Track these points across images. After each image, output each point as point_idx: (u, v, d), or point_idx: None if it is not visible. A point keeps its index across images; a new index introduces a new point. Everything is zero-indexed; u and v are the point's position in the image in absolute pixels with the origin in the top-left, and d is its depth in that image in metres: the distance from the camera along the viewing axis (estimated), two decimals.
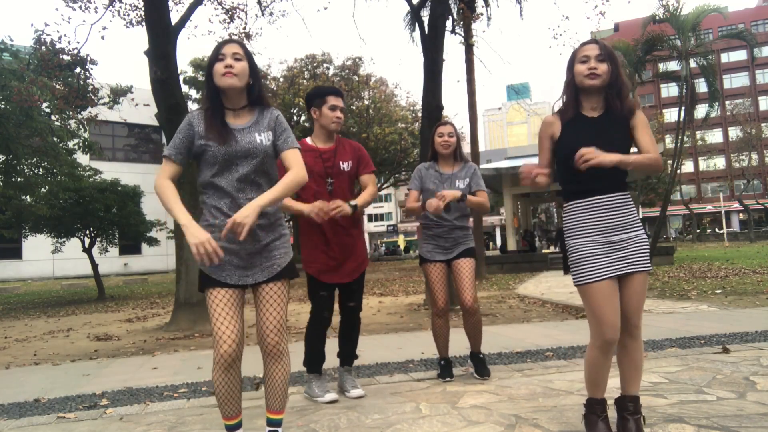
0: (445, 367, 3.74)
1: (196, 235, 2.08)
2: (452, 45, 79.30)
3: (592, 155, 2.21)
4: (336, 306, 3.44)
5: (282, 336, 2.27)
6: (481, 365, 3.72)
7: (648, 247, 2.39)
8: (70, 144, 13.91)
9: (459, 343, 4.70)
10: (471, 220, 3.95)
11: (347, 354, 3.54)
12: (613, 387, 2.58)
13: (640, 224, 2.41)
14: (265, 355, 2.29)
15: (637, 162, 2.32)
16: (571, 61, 2.40)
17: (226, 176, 2.23)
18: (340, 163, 3.36)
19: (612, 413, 2.42)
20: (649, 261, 2.37)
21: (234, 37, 11.14)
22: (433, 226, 3.72)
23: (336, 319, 3.47)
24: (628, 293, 2.35)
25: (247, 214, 2.08)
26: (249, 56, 2.26)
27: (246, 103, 2.31)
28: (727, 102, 48.86)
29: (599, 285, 2.28)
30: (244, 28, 11.37)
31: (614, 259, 2.32)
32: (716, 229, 52.14)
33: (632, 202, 2.42)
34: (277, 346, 2.26)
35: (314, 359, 3.42)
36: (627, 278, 2.35)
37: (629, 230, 2.35)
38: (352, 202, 3.20)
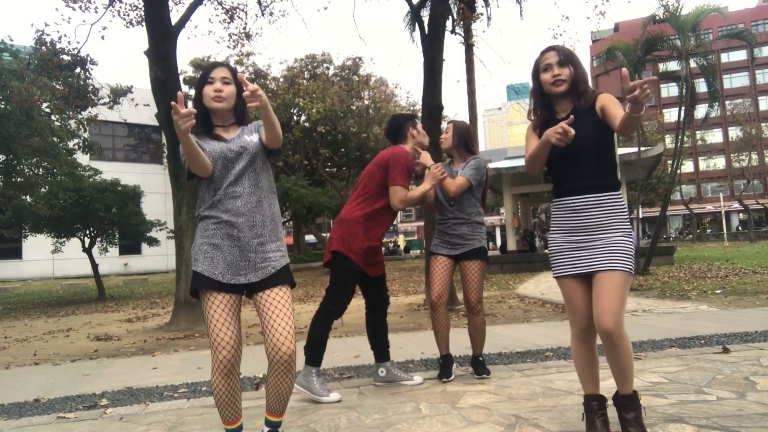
0: (444, 366, 3.73)
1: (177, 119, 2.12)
2: (452, 45, 79.32)
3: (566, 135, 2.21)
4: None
5: (294, 345, 2.24)
6: (480, 366, 3.73)
7: (625, 249, 2.30)
8: (70, 144, 13.92)
9: (459, 343, 4.70)
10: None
11: (385, 347, 3.71)
12: (611, 387, 2.58)
13: (621, 227, 2.34)
14: (275, 364, 2.24)
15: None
16: (535, 71, 2.49)
17: (223, 174, 2.30)
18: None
19: (612, 412, 2.42)
20: (620, 262, 2.27)
21: (232, 40, 11.18)
22: (441, 220, 3.80)
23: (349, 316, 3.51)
24: (594, 294, 2.31)
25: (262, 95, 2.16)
26: (236, 78, 2.35)
27: (233, 120, 2.44)
28: (727, 102, 48.84)
29: (565, 280, 2.44)
30: (244, 28, 11.38)
31: (577, 258, 2.38)
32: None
33: (613, 204, 2.35)
34: (292, 356, 2.22)
35: (320, 348, 3.45)
36: (594, 279, 2.34)
37: (601, 232, 2.33)
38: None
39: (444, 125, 3.99)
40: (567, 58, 2.40)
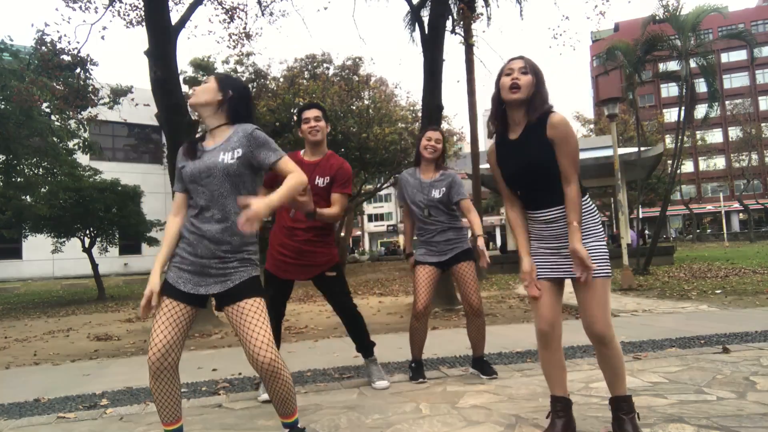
0: (416, 369, 3.74)
1: (151, 282, 2.23)
2: (452, 45, 79.26)
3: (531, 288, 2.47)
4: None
5: (274, 351, 2.18)
6: (486, 366, 3.73)
7: (598, 254, 2.33)
8: (70, 144, 13.92)
9: (460, 343, 4.71)
10: (465, 220, 3.94)
11: (362, 345, 3.65)
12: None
13: (592, 231, 2.37)
14: (260, 373, 2.20)
15: (576, 216, 2.30)
16: (498, 76, 2.44)
17: (195, 194, 2.31)
18: (316, 177, 3.39)
19: (606, 413, 2.44)
20: (602, 267, 2.32)
21: (232, 40, 11.20)
22: (424, 233, 3.74)
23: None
24: (580, 302, 2.38)
25: (259, 209, 2.04)
26: (218, 79, 2.35)
27: (222, 122, 2.34)
28: (727, 102, 48.83)
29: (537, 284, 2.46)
30: (244, 28, 11.38)
31: (553, 263, 2.42)
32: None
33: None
34: (272, 362, 2.16)
35: None
36: (575, 287, 2.39)
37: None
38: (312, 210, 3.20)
39: (436, 134, 3.81)
40: (531, 69, 2.38)
